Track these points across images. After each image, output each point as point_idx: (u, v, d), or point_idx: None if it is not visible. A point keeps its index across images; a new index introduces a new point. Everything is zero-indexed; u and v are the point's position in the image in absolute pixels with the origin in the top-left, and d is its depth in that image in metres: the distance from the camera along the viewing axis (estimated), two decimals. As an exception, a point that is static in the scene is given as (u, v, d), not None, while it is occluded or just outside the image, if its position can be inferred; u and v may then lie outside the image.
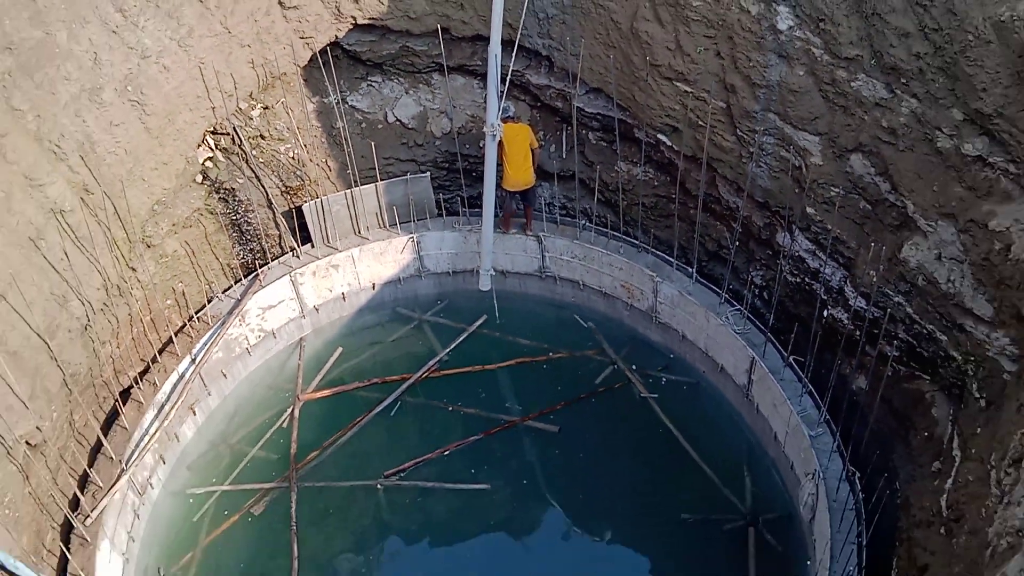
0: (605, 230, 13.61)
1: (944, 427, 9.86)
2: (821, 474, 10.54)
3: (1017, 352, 9.00)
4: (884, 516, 9.94)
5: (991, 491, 8.09)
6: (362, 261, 13.69)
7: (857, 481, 10.34)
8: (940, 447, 9.77)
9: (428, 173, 13.86)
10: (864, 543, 9.76)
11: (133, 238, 11.32)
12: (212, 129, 12.24)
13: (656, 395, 12.86)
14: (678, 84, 11.89)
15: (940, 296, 9.84)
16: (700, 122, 11.89)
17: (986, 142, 9.24)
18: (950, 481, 9.19)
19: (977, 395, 9.37)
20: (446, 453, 12.22)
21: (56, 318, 10.04)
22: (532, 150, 12.96)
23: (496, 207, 13.11)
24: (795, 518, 11.32)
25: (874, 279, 10.43)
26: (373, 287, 14.06)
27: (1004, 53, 8.79)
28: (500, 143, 12.46)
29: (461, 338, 13.69)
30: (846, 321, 11.21)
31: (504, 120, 12.39)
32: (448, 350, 13.53)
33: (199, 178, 12.34)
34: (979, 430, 9.02)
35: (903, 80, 9.75)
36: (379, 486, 11.92)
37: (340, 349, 13.62)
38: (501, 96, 11.98)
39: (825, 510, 10.26)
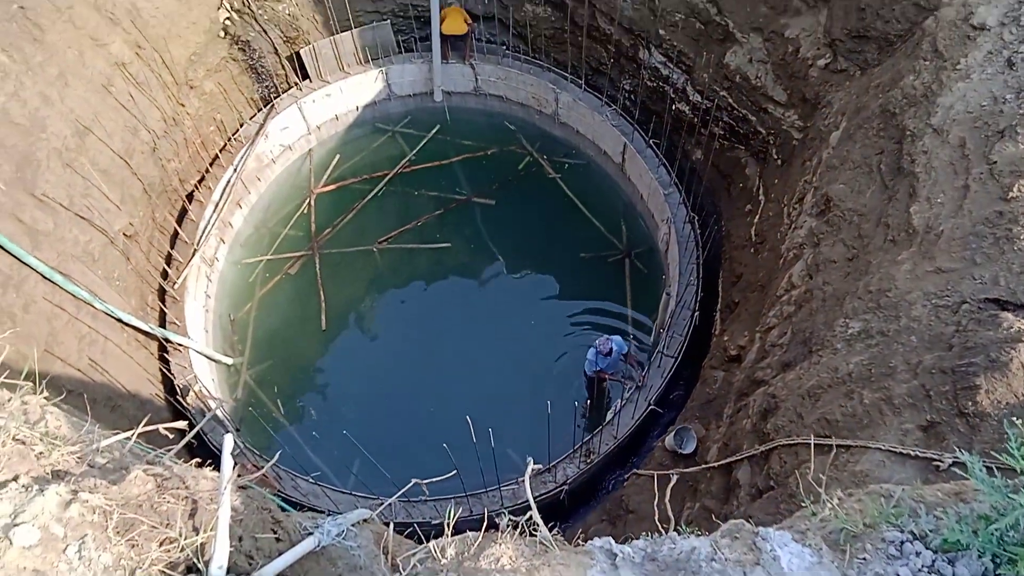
0: (519, 55, 13.06)
1: (753, 181, 10.09)
2: (671, 219, 10.58)
3: (802, 124, 9.08)
4: (714, 245, 10.19)
5: (784, 221, 8.34)
6: (347, 90, 13.10)
7: (696, 223, 10.40)
8: (751, 195, 9.99)
9: (388, 21, 13.17)
10: (701, 263, 9.99)
11: (179, 81, 10.97)
12: (226, -6, 11.60)
13: (560, 175, 12.49)
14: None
15: (751, 89, 9.85)
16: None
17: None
18: (757, 217, 9.41)
19: (775, 156, 9.51)
20: (419, 223, 11.98)
21: (131, 143, 9.88)
22: (466, 23, 12.41)
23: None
24: (655, 251, 11.43)
25: (707, 80, 10.33)
26: (357, 109, 13.39)
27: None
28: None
29: (423, 142, 13.12)
30: (688, 112, 11.15)
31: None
32: (415, 152, 13.01)
33: (221, 33, 11.82)
34: (776, 181, 9.27)
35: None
36: (375, 249, 11.72)
37: (339, 155, 13.08)
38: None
39: (675, 243, 10.38)
